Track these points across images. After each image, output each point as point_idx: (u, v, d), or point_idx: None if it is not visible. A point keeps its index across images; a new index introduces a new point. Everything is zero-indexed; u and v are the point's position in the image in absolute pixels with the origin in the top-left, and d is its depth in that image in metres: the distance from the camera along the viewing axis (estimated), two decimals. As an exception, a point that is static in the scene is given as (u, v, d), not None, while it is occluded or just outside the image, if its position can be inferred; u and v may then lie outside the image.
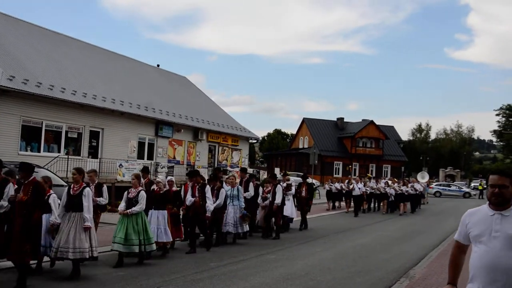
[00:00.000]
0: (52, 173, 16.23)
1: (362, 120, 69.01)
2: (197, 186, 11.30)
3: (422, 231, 18.01)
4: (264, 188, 14.35)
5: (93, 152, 24.94)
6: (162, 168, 27.76)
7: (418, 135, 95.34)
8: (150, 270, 9.04)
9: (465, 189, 51.44)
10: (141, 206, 9.39)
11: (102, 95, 25.55)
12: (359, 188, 23.64)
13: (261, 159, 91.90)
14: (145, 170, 12.24)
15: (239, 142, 38.27)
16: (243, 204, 12.76)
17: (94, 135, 25.15)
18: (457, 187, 51.52)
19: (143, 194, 9.50)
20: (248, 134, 39.72)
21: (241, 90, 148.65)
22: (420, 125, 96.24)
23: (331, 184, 26.33)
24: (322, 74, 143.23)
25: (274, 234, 13.97)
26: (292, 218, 16.17)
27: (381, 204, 25.56)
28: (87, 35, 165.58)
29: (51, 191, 8.60)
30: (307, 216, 17.09)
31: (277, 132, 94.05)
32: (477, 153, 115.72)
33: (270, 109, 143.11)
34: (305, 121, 70.46)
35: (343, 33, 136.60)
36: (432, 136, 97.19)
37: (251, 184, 14.05)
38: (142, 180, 10.79)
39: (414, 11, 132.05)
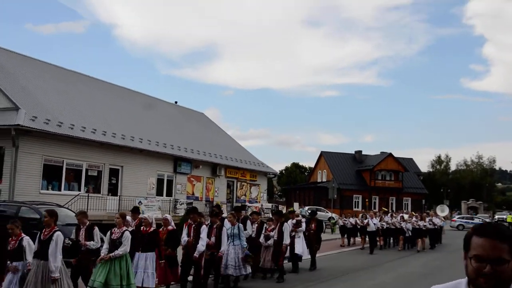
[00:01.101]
0: (72, 211, 16.35)
1: (381, 152, 68.52)
2: (193, 225, 10.61)
3: (446, 267, 17.56)
4: (267, 226, 13.30)
5: (113, 190, 25.10)
6: (181, 204, 27.79)
7: (438, 166, 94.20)
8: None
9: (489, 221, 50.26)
10: (125, 248, 8.52)
11: (121, 133, 25.88)
12: (374, 224, 22.38)
13: (279, 193, 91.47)
14: (135, 210, 11.54)
15: (257, 177, 38.22)
16: (245, 243, 11.61)
17: (114, 173, 25.36)
18: (480, 219, 50.34)
19: (127, 235, 8.68)
20: (266, 169, 39.69)
21: (257, 123, 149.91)
22: (439, 157, 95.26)
23: (345, 219, 25.23)
24: (337, 107, 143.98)
25: (273, 275, 12.99)
26: (301, 257, 14.90)
27: (398, 240, 24.03)
28: (105, 73, 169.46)
29: (22, 234, 7.94)
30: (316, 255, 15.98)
31: (295, 165, 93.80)
32: (499, 184, 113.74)
33: (286, 142, 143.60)
34: (323, 154, 70.20)
35: (358, 65, 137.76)
36: (452, 167, 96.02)
37: (248, 223, 13.19)
38: (132, 221, 10.34)
39: (428, 43, 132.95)
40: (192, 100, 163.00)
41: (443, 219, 29.90)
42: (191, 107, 43.01)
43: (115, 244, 8.57)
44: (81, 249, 9.08)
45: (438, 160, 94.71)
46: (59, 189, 22.32)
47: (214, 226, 11.09)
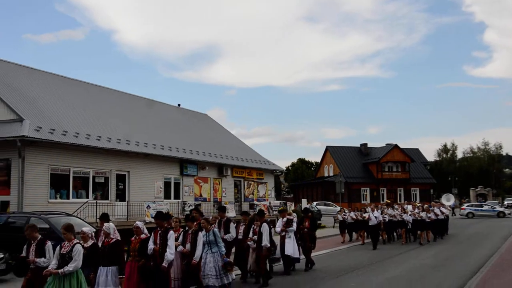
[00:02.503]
0: (81, 219, 16.42)
1: (386, 144, 68.43)
2: (159, 232, 9.66)
3: (457, 257, 17.50)
4: (255, 227, 12.42)
5: (121, 195, 25.16)
6: (189, 206, 27.80)
7: (444, 155, 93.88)
8: None
9: (498, 208, 49.93)
10: (76, 263, 7.65)
11: (126, 138, 25.94)
12: (375, 217, 21.17)
13: (287, 190, 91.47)
14: (103, 217, 10.11)
15: (264, 175, 38.23)
16: (224, 249, 10.59)
17: (121, 179, 25.43)
18: (490, 206, 50.07)
19: (78, 249, 7.78)
20: (272, 167, 39.70)
21: (261, 121, 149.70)
22: (445, 145, 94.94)
23: (344, 214, 24.13)
24: (341, 101, 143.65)
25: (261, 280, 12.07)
26: (298, 258, 14.14)
27: (400, 233, 23.07)
28: (107, 79, 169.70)
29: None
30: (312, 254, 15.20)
31: (301, 161, 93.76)
32: (507, 170, 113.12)
33: (291, 139, 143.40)
34: (328, 149, 70.18)
35: (359, 58, 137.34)
36: (459, 155, 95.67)
37: (231, 225, 12.44)
38: (114, 230, 9.15)
39: (429, 32, 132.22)
40: (195, 102, 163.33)
41: (449, 208, 28.85)
42: (194, 109, 43.13)
43: (64, 259, 7.72)
44: (29, 266, 8.34)
45: (445, 149, 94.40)
46: (67, 198, 22.39)
47: (190, 232, 10.30)
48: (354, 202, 55.00)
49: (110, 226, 9.05)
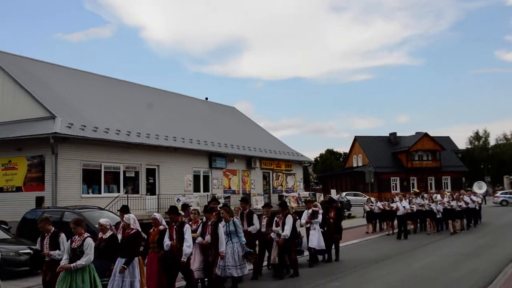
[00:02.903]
0: (113, 213, 16.73)
1: (416, 133, 67.41)
2: (174, 226, 9.49)
3: (492, 245, 17.22)
4: (277, 219, 12.22)
5: (151, 189, 25.50)
6: (219, 199, 28.02)
7: (476, 143, 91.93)
8: None
9: (533, 195, 48.69)
10: (88, 257, 7.57)
11: (155, 133, 26.24)
12: (403, 207, 20.79)
13: (315, 181, 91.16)
14: (123, 209, 10.00)
15: (292, 166, 38.20)
16: (244, 239, 10.58)
17: (151, 173, 25.76)
18: (524, 193, 48.86)
19: (89, 242, 7.72)
20: (300, 158, 39.63)
21: (289, 113, 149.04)
22: (477, 133, 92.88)
23: (371, 204, 23.65)
24: (369, 90, 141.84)
25: (291, 271, 11.99)
26: (323, 250, 13.90)
27: (427, 223, 22.35)
28: (135, 76, 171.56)
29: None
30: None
31: (330, 152, 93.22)
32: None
33: (319, 130, 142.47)
34: (357, 139, 69.59)
35: (387, 46, 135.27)
36: (492, 142, 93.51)
37: (255, 217, 12.05)
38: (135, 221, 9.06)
39: (457, 18, 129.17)
40: (222, 95, 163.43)
41: (480, 196, 27.73)
42: (221, 102, 43.26)
43: (75, 253, 7.67)
44: (45, 259, 8.37)
45: (476, 136, 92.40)
46: (99, 192, 22.81)
47: (209, 223, 10.17)
48: (383, 192, 54.47)
49: (130, 217, 9.00)
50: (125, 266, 8.34)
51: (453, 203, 21.71)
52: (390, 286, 10.34)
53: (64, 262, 7.65)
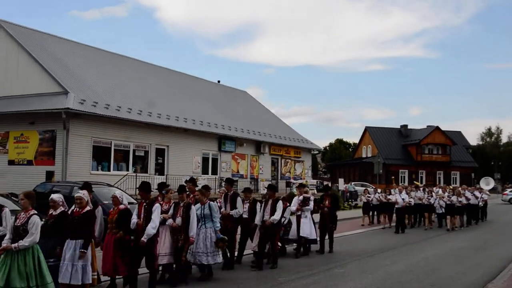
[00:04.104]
0: (122, 190, 16.84)
1: (427, 126, 67.00)
2: (144, 204, 8.52)
3: (497, 240, 17.17)
4: (260, 204, 11.26)
5: (160, 169, 25.65)
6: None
7: (488, 139, 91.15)
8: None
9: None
10: (33, 238, 6.58)
11: (166, 113, 26.31)
12: (402, 199, 19.66)
13: (323, 170, 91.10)
14: (86, 186, 8.87)
15: (301, 153, 38.19)
16: (219, 225, 9.71)
17: (160, 153, 25.89)
18: (534, 192, 48.36)
19: (35, 221, 6.68)
20: (310, 146, 39.59)
21: (300, 101, 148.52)
22: (489, 129, 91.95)
23: (368, 195, 22.30)
24: (382, 81, 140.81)
25: (269, 261, 11.04)
26: (314, 239, 13.08)
27: (425, 217, 21.09)
28: (149, 55, 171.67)
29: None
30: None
31: (339, 141, 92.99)
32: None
33: (330, 119, 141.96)
34: (367, 129, 69.29)
35: (403, 37, 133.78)
36: (504, 139, 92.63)
37: (238, 200, 11.10)
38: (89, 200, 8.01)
39: (478, 11, 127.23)
40: (235, 79, 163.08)
41: (488, 193, 26.09)
42: (233, 86, 43.20)
43: (19, 232, 6.64)
44: None
45: (489, 133, 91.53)
46: (109, 170, 23.00)
47: (181, 204, 9.19)
48: (391, 184, 54.34)
49: (85, 193, 7.87)
50: (85, 250, 7.33)
51: (453, 198, 20.50)
52: (393, 275, 10.36)
53: (6, 242, 6.66)
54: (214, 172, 29.51)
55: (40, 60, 23.07)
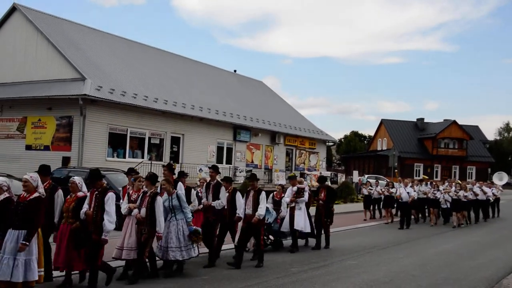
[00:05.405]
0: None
1: (444, 120, 66.34)
2: (96, 192, 7.66)
3: (507, 238, 16.95)
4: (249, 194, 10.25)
5: (174, 157, 25.77)
6: (240, 172, 28.19)
7: (506, 134, 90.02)
8: None
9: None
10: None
11: (182, 101, 26.38)
12: (408, 193, 18.73)
13: (338, 162, 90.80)
14: (42, 170, 7.80)
15: (316, 145, 38.09)
16: (190, 216, 8.87)
17: (175, 141, 26.00)
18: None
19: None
20: (325, 137, 39.46)
21: (316, 92, 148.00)
22: (507, 124, 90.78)
23: (370, 188, 21.35)
24: (399, 74, 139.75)
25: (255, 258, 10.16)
26: (309, 233, 12.37)
27: (431, 213, 20.13)
28: (166, 44, 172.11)
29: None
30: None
31: (354, 134, 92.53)
32: None
33: (346, 111, 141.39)
34: (383, 122, 68.82)
35: (421, 30, 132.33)
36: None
37: (222, 189, 10.11)
38: (41, 184, 6.86)
39: (499, 4, 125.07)
40: (251, 69, 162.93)
41: (500, 188, 24.98)
42: (250, 75, 43.14)
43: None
44: None
45: (506, 128, 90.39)
46: (124, 157, 23.16)
47: (148, 194, 8.31)
48: (406, 178, 53.97)
49: (34, 176, 6.81)
50: (27, 243, 6.30)
51: (461, 193, 19.24)
52: (406, 268, 10.31)
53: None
54: (229, 161, 29.58)
55: (58, 46, 23.23)
